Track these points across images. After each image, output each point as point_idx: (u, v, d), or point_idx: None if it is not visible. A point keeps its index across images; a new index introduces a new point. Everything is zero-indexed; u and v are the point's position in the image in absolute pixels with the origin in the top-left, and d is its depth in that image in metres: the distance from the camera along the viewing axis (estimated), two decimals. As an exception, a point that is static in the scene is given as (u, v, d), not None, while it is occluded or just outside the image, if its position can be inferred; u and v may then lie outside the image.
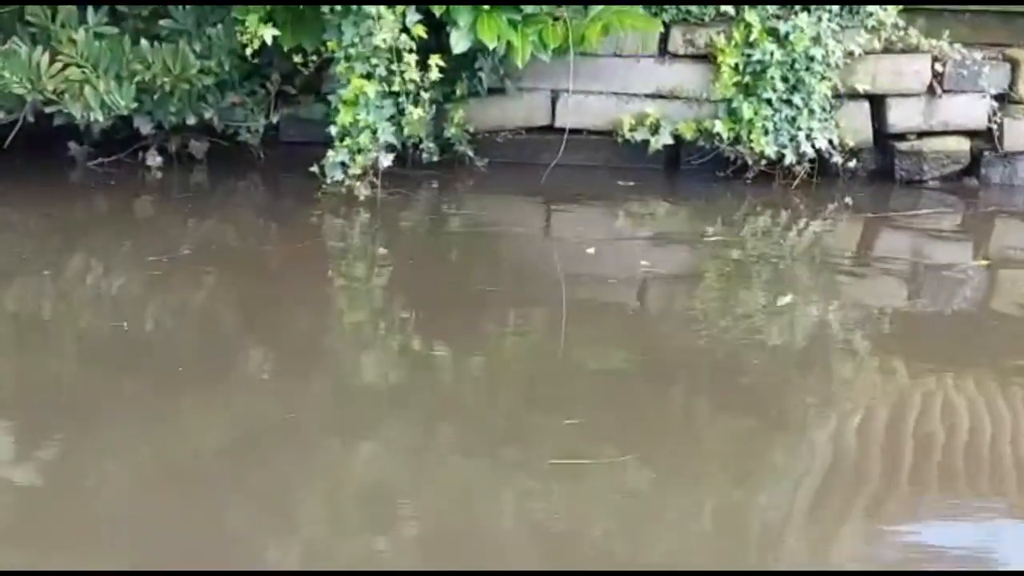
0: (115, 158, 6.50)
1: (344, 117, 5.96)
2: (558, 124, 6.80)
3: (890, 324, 5.05)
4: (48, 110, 5.99)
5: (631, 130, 6.64)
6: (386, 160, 6.08)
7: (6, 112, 6.10)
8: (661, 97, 6.72)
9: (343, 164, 6.03)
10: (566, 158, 6.61)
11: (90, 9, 5.97)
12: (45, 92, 5.85)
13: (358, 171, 6.03)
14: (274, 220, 6.12)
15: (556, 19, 6.18)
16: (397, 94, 6.04)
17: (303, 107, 6.61)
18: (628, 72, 6.74)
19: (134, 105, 6.00)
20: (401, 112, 6.09)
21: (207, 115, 6.36)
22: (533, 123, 6.85)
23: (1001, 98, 6.76)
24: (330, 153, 6.03)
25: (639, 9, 6.33)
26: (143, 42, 5.98)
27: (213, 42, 6.14)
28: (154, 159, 6.51)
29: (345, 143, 5.99)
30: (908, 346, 4.79)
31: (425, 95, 6.10)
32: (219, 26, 6.13)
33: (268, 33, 5.94)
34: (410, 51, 5.98)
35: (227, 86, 6.40)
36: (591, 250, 5.60)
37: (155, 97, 6.13)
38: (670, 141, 6.65)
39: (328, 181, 6.05)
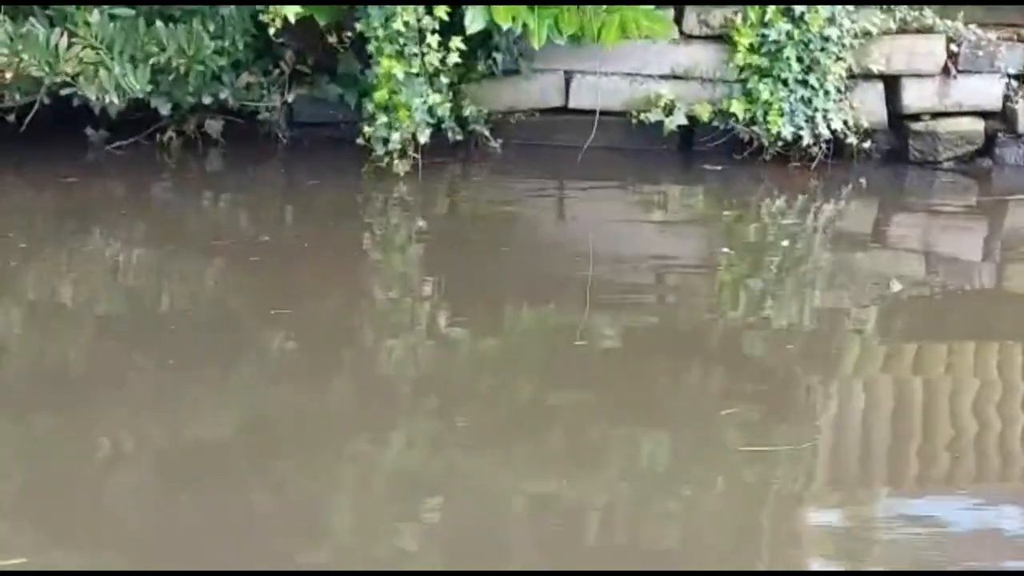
0: (132, 140, 6.48)
1: (381, 95, 6.03)
2: (571, 105, 6.79)
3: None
4: (64, 92, 5.97)
5: (646, 111, 6.63)
6: (423, 136, 6.13)
7: (22, 94, 6.07)
8: (675, 78, 6.71)
9: (384, 140, 6.10)
10: (579, 139, 6.61)
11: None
12: (63, 75, 5.83)
13: (397, 146, 6.09)
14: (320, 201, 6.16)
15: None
16: (420, 74, 6.08)
17: (317, 87, 6.59)
18: (642, 53, 6.72)
19: (148, 88, 5.99)
20: (426, 92, 6.12)
21: (222, 95, 6.35)
22: (547, 104, 6.84)
23: (1016, 79, 6.76)
24: (367, 129, 6.11)
25: (653, 8, 6.28)
26: (158, 24, 5.96)
27: (227, 21, 6.13)
28: (172, 140, 6.50)
29: (382, 120, 6.07)
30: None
31: (443, 79, 6.13)
32: (232, 5, 6.11)
33: (291, 11, 5.96)
34: (433, 32, 5.99)
35: (241, 66, 6.39)
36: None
37: (171, 79, 6.11)
38: (684, 122, 6.64)
39: (375, 153, 6.12)
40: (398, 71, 5.98)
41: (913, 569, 3.15)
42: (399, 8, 5.95)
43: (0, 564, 3.04)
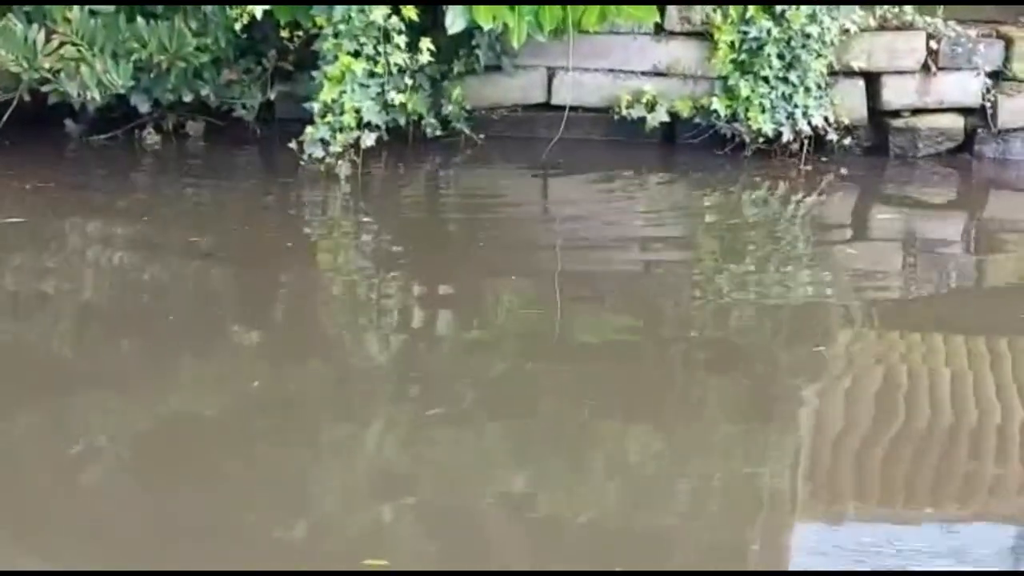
0: (112, 135, 6.48)
1: (328, 94, 5.91)
2: (554, 101, 6.80)
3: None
4: (44, 89, 5.98)
5: (628, 107, 6.64)
6: (369, 139, 6.03)
7: (2, 91, 6.07)
8: (657, 74, 6.73)
9: (323, 141, 5.98)
10: (563, 133, 6.61)
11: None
12: (41, 70, 5.83)
13: (339, 149, 5.97)
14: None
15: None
16: (383, 74, 6.01)
17: (299, 84, 6.57)
18: (625, 49, 6.74)
19: (131, 83, 5.98)
20: (386, 93, 6.05)
21: (203, 92, 6.34)
22: (529, 100, 6.85)
23: (995, 75, 6.79)
24: (309, 129, 5.97)
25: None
26: (139, 20, 5.96)
27: (208, 18, 6.12)
28: (151, 137, 6.49)
29: (327, 120, 5.94)
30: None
31: (408, 80, 6.09)
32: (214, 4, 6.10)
33: (259, 9, 5.94)
34: (399, 32, 5.95)
35: (223, 63, 6.38)
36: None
37: (152, 75, 6.11)
38: (666, 119, 6.65)
39: (306, 158, 5.99)
40: (356, 68, 5.88)
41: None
42: (366, 7, 5.87)
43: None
